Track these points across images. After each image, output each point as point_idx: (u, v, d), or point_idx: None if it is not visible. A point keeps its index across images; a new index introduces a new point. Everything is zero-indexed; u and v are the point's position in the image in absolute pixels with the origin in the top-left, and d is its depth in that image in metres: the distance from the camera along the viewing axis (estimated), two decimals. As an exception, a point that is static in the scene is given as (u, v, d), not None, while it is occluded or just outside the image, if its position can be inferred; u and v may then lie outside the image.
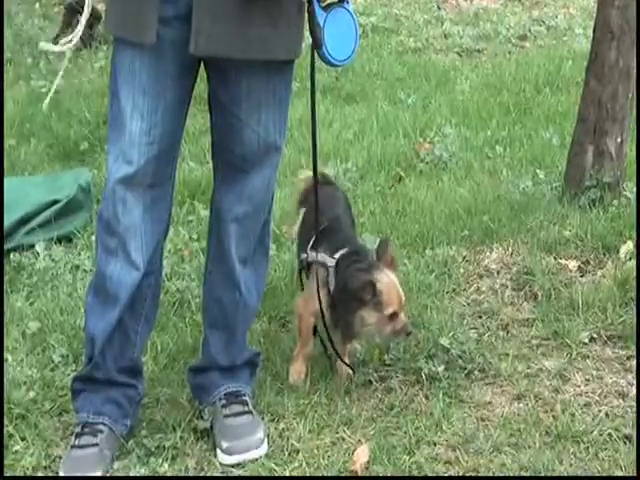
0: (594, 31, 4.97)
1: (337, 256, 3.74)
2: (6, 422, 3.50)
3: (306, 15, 3.29)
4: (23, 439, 3.44)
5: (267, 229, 3.59)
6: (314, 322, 3.77)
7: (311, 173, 3.77)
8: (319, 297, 3.71)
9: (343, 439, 3.46)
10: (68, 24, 6.94)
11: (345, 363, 3.80)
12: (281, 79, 3.38)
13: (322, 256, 3.78)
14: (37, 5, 7.84)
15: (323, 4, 3.26)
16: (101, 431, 3.34)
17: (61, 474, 3.29)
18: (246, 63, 3.25)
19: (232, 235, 3.48)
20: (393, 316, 3.66)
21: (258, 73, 3.31)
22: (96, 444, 3.31)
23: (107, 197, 3.34)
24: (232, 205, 3.47)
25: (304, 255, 3.85)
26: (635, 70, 4.89)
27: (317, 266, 3.79)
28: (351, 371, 3.80)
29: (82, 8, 3.36)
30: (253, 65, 3.27)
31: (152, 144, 3.28)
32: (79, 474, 3.27)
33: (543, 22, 7.93)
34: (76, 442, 3.33)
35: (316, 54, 3.31)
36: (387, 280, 3.70)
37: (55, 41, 6.97)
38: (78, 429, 3.36)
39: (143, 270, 3.37)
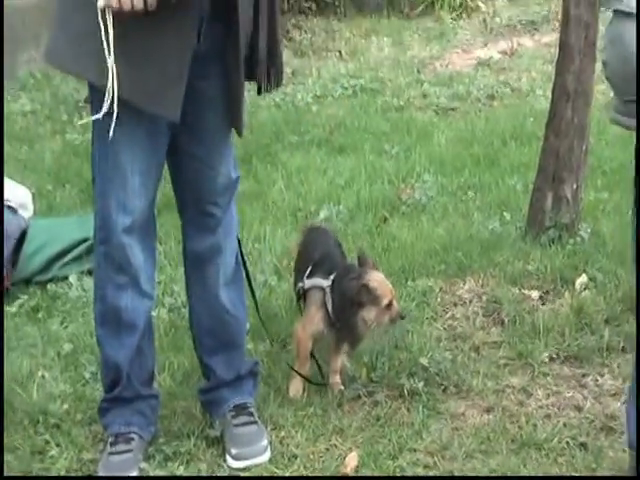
0: (552, 93, 4.97)
1: (331, 277, 3.75)
2: (43, 430, 3.49)
3: None
4: (58, 445, 3.42)
5: (238, 249, 3.56)
6: (311, 345, 3.77)
7: (309, 223, 3.85)
8: (323, 313, 3.72)
9: (336, 446, 3.45)
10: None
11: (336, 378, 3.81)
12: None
13: (317, 280, 3.78)
14: None
15: None
16: (133, 439, 3.34)
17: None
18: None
19: (217, 268, 3.47)
20: (388, 306, 3.67)
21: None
22: (130, 450, 3.31)
23: (114, 244, 3.29)
24: (214, 241, 3.45)
25: (300, 284, 3.86)
26: (589, 126, 4.92)
27: (314, 290, 3.78)
28: (342, 387, 3.79)
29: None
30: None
31: (147, 195, 3.27)
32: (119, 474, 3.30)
33: (509, 84, 7.93)
34: (112, 449, 3.32)
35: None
36: (376, 277, 3.72)
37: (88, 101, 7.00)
38: (112, 439, 3.35)
39: (153, 298, 3.41)
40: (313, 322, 3.74)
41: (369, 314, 3.67)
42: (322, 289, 3.75)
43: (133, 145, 3.20)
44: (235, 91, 3.25)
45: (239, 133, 3.35)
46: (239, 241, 3.57)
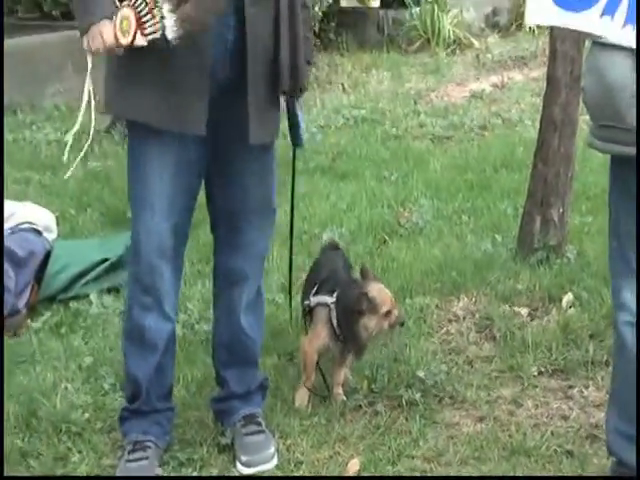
0: (540, 123, 4.99)
1: (335, 294, 3.76)
2: (65, 438, 3.50)
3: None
4: (79, 452, 3.43)
5: (262, 278, 3.57)
6: (316, 358, 3.77)
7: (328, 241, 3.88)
8: (328, 328, 3.72)
9: (339, 453, 3.45)
10: (118, 116, 6.90)
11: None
12: (274, 150, 3.43)
13: (323, 298, 3.79)
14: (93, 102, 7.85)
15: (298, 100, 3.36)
16: (149, 447, 3.34)
17: None
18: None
19: (240, 293, 3.46)
20: (388, 313, 3.68)
21: (264, 148, 3.33)
22: (147, 457, 3.31)
23: (142, 266, 3.29)
24: (241, 266, 3.44)
25: (306, 302, 3.87)
26: (574, 154, 4.93)
27: (320, 307, 3.78)
28: (344, 398, 3.79)
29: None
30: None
31: (176, 218, 3.26)
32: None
33: (500, 115, 7.92)
34: (130, 456, 3.32)
35: (296, 136, 3.41)
36: (376, 287, 3.74)
37: (108, 131, 7.00)
38: (130, 446, 3.34)
39: (174, 321, 3.39)
40: (319, 337, 3.75)
41: (370, 322, 3.67)
42: (327, 306, 3.76)
43: (162, 170, 3.20)
44: (255, 105, 3.20)
45: (267, 148, 3.34)
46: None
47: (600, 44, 2.90)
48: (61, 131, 7.28)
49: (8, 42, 7.83)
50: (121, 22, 3.00)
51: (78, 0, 3.12)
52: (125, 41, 2.99)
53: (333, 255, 4.11)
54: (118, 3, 3.04)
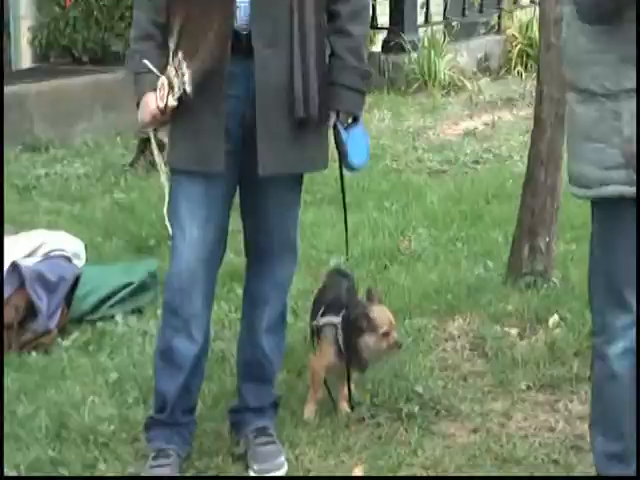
0: (528, 158, 5.00)
1: (341, 315, 3.75)
2: (93, 448, 3.50)
3: (331, 135, 3.31)
4: (105, 461, 3.43)
5: (286, 304, 3.58)
6: (323, 375, 3.78)
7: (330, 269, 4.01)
8: (335, 347, 3.72)
9: (344, 462, 3.45)
10: (141, 152, 6.96)
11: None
12: (299, 186, 3.40)
13: (330, 318, 3.78)
14: (118, 138, 7.90)
15: (344, 126, 3.30)
16: (171, 455, 3.34)
17: None
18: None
19: (261, 314, 3.47)
20: (386, 334, 3.66)
21: (285, 181, 3.32)
22: (169, 464, 3.31)
23: (173, 290, 3.30)
24: (263, 291, 3.46)
25: (314, 322, 3.87)
26: (559, 187, 4.93)
27: (327, 327, 3.77)
28: (349, 410, 3.80)
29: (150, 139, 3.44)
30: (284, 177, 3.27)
31: (206, 247, 3.26)
32: None
33: (491, 151, 7.93)
34: (154, 463, 3.32)
35: (343, 163, 3.35)
36: (377, 308, 3.73)
37: (132, 165, 7.04)
38: (154, 453, 3.35)
39: (201, 344, 3.36)
40: (326, 356, 3.75)
41: (369, 340, 3.66)
42: (334, 326, 3.75)
43: (191, 203, 3.24)
44: (266, 136, 3.18)
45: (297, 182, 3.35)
46: None
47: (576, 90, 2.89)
48: (90, 165, 7.33)
49: (42, 84, 7.93)
50: (159, 90, 3.12)
51: (133, 80, 3.24)
52: (162, 104, 3.11)
53: (340, 279, 4.12)
54: (159, 73, 3.15)
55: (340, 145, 3.30)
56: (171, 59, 3.15)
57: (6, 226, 4.82)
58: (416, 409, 3.78)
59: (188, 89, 3.08)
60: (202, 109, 3.14)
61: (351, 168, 3.36)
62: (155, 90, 3.15)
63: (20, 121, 7.45)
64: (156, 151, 3.34)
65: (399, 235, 5.77)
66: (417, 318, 4.56)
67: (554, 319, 4.52)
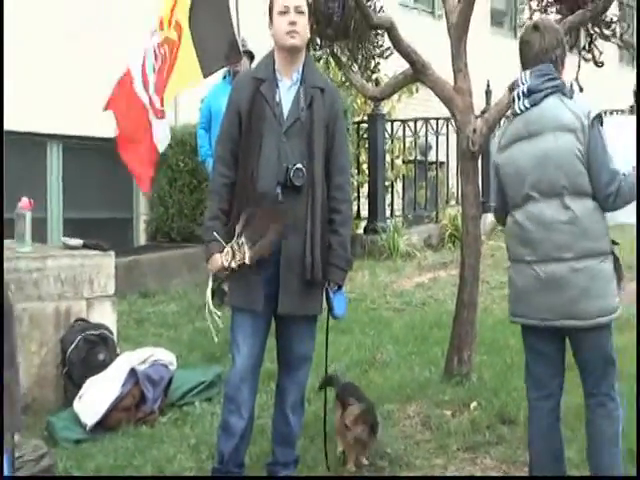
0: (456, 302, 4.94)
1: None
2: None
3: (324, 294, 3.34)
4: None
5: (304, 394, 3.53)
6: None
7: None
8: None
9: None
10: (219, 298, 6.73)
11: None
12: (314, 322, 3.42)
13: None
14: (197, 289, 7.70)
15: (332, 290, 3.32)
16: None
17: None
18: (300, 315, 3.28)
19: (287, 400, 3.44)
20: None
21: (301, 318, 3.32)
22: None
23: (230, 385, 3.31)
24: (289, 389, 3.44)
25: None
26: (476, 321, 4.88)
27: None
28: (354, 469, 3.69)
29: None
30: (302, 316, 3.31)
31: (254, 358, 3.29)
32: None
33: (432, 297, 7.75)
34: None
35: (330, 313, 3.37)
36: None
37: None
38: None
39: (247, 420, 3.32)
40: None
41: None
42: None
43: (243, 330, 3.27)
44: (285, 286, 3.14)
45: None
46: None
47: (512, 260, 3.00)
48: (180, 306, 7.27)
49: (150, 256, 7.94)
50: (226, 254, 3.18)
51: (204, 246, 3.29)
52: (226, 264, 3.17)
53: (337, 378, 4.13)
54: (224, 243, 3.20)
55: (329, 301, 3.33)
56: (236, 236, 3.11)
57: (127, 345, 4.83)
58: (386, 464, 3.76)
59: (247, 262, 3.17)
60: (250, 270, 3.21)
61: (335, 317, 3.30)
62: (220, 252, 3.13)
63: (138, 278, 7.50)
64: (209, 294, 3.34)
65: (375, 350, 5.69)
66: (387, 404, 4.50)
67: (474, 404, 4.47)
